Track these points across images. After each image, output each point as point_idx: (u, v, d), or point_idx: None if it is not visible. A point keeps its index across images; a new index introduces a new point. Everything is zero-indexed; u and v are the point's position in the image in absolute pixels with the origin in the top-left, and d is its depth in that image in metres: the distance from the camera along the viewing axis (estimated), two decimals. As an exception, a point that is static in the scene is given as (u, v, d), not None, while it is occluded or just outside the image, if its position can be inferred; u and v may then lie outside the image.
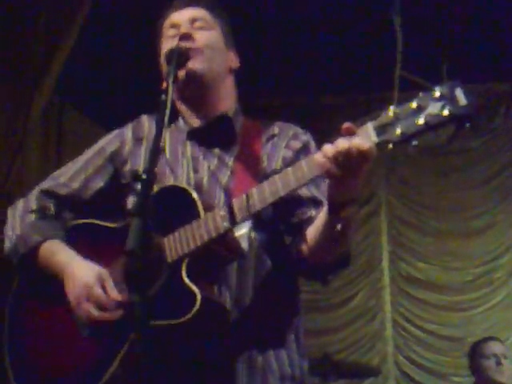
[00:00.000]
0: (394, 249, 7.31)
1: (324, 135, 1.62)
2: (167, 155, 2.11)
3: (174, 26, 2.16)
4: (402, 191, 7.35)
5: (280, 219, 2.01)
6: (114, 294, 1.91)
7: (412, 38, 4.59)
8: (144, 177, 1.63)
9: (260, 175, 1.99)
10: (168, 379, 1.89)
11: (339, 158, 1.59)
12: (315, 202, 1.98)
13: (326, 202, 1.84)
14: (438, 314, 7.09)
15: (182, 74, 2.04)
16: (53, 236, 2.09)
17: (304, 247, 1.93)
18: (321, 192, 1.99)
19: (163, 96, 1.80)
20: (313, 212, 1.97)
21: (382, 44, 5.31)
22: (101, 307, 1.90)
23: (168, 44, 2.11)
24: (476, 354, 4.81)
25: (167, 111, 1.76)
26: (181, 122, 2.19)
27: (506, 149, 7.10)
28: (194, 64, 2.06)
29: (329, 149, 1.61)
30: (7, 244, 2.14)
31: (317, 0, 5.51)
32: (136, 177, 1.63)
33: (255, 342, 1.94)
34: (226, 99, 2.18)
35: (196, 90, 2.11)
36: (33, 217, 2.15)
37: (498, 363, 4.66)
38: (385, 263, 7.28)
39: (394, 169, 7.25)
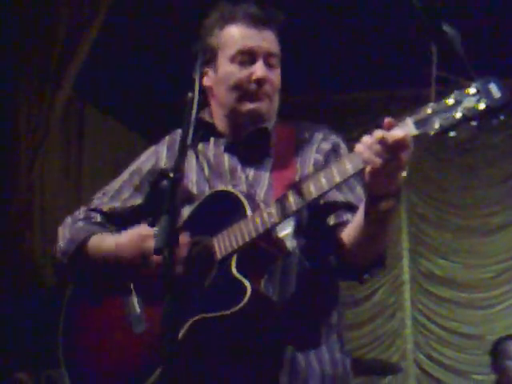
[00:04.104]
0: (414, 246, 7.30)
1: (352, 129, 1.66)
2: (206, 172, 2.14)
3: (248, 53, 2.10)
4: (422, 188, 7.32)
5: (316, 224, 2.05)
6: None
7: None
8: (171, 175, 1.68)
9: None
10: (211, 370, 1.94)
11: (375, 145, 1.66)
12: (350, 207, 2.01)
13: (361, 205, 1.88)
14: (457, 312, 7.07)
15: (245, 108, 2.08)
16: (99, 231, 2.17)
17: (341, 248, 1.96)
18: (355, 197, 2.03)
19: (190, 94, 1.82)
20: (348, 216, 2.00)
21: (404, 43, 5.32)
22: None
23: (238, 71, 2.09)
24: (500, 353, 4.79)
25: (194, 110, 1.80)
26: (217, 134, 2.20)
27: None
28: (261, 106, 2.10)
29: (367, 138, 1.70)
30: (58, 254, 2.20)
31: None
32: (163, 175, 1.66)
33: (297, 340, 1.98)
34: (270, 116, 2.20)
35: (252, 124, 2.14)
36: (81, 223, 2.22)
37: None
38: (405, 260, 7.27)
39: (414, 165, 7.22)
